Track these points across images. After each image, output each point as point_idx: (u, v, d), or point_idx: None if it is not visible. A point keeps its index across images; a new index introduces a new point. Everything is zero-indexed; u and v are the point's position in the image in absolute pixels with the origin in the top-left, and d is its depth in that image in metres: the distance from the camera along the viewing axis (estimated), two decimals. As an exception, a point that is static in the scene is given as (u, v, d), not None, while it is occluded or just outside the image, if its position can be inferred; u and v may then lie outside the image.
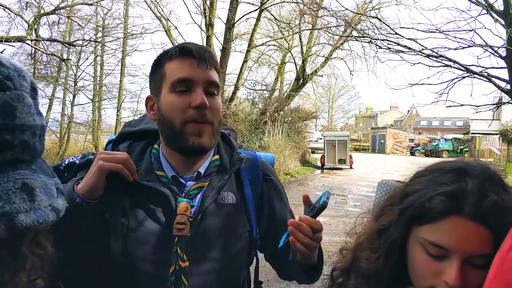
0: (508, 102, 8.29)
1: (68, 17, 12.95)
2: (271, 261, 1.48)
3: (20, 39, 10.29)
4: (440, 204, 0.84)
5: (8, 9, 10.38)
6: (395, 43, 9.23)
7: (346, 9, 11.74)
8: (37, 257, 0.66)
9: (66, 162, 1.34)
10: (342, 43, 21.93)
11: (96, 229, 1.20)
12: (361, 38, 11.52)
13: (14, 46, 11.01)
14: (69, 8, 12.80)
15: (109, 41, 18.73)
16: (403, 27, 9.68)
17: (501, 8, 7.70)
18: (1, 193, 0.54)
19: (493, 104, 9.13)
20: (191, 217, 1.21)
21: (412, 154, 41.36)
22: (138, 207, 1.24)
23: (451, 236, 0.82)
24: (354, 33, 13.95)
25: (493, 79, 7.94)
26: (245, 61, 19.89)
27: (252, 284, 1.46)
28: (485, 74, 7.98)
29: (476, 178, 0.84)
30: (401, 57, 9.25)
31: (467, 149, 36.97)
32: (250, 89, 22.55)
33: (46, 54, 12.17)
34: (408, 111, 63.13)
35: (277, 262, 1.46)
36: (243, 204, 1.32)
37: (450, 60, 8.37)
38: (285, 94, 23.81)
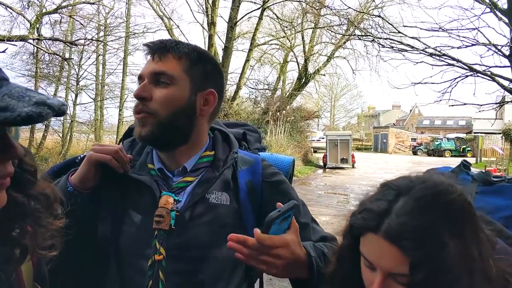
0: (512, 101, 8.25)
1: (70, 16, 12.94)
2: None
3: (22, 38, 10.28)
4: (360, 221, 0.86)
5: (10, 8, 10.39)
6: (398, 41, 9.21)
7: (349, 7, 11.75)
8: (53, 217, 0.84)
9: (82, 156, 1.34)
10: (344, 42, 21.90)
11: (90, 220, 1.21)
12: (364, 37, 11.51)
13: (16, 45, 11.04)
14: (71, 7, 12.79)
15: (111, 40, 18.73)
16: (406, 26, 9.68)
17: (505, 6, 7.67)
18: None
19: (496, 103, 9.10)
20: (177, 210, 1.19)
21: (415, 153, 41.29)
22: (128, 200, 1.25)
23: (370, 252, 0.86)
24: (357, 32, 13.94)
25: (497, 78, 7.91)
26: (247, 60, 19.89)
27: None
28: (489, 73, 7.94)
29: (411, 198, 0.83)
30: (404, 56, 9.23)
31: (469, 149, 36.91)
32: (252, 88, 22.61)
33: (48, 53, 12.20)
34: (411, 110, 63.07)
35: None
36: (237, 207, 1.26)
37: (453, 59, 8.34)
38: (287, 93, 23.82)
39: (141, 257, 1.19)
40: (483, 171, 1.36)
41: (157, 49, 1.23)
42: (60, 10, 11.70)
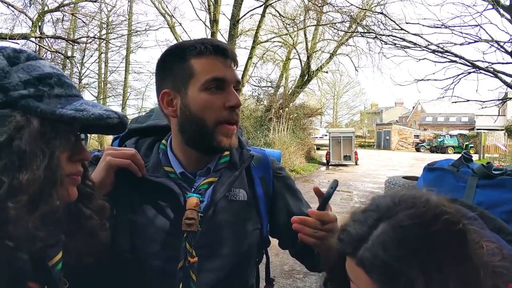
0: (514, 98, 8.22)
1: (72, 14, 12.94)
2: (296, 257, 1.44)
3: (24, 37, 10.29)
4: (340, 244, 0.86)
5: (12, 6, 10.39)
6: (400, 38, 9.17)
7: (351, 4, 11.76)
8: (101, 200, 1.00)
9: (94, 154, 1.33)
10: (347, 39, 21.84)
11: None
12: (366, 34, 11.49)
13: (18, 44, 11.01)
14: (73, 5, 12.81)
15: (113, 38, 18.77)
16: (409, 23, 9.57)
17: (507, 3, 7.63)
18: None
19: (498, 100, 9.08)
20: (201, 212, 1.20)
21: (418, 150, 41.22)
22: (146, 203, 1.23)
23: (349, 272, 0.86)
24: (359, 29, 13.92)
25: (499, 74, 7.88)
26: (250, 58, 19.85)
27: (261, 281, 1.45)
28: (491, 69, 7.91)
29: (390, 226, 0.79)
30: (406, 52, 9.17)
31: (472, 145, 36.80)
32: (255, 85, 22.57)
33: (51, 51, 12.19)
34: (413, 107, 62.85)
35: (302, 257, 1.42)
36: (254, 202, 1.31)
37: (455, 55, 8.30)
38: (290, 91, 23.80)
39: (168, 260, 1.19)
40: (484, 164, 1.33)
41: (233, 56, 1.23)
42: (62, 8, 11.71)
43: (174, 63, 1.22)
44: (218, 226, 1.23)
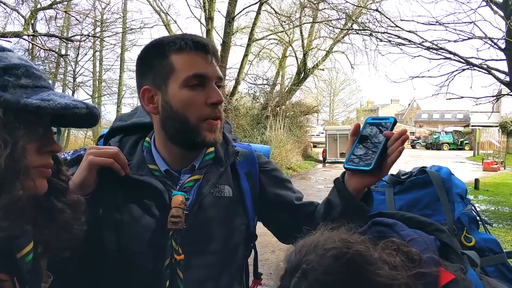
0: (508, 94, 8.28)
1: (65, 11, 12.87)
2: (297, 234, 1.42)
3: (17, 35, 10.24)
4: None
5: (4, 3, 10.33)
6: (395, 35, 9.20)
7: (347, 1, 11.71)
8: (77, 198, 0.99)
9: (71, 153, 1.33)
10: (343, 37, 21.87)
11: (90, 226, 1.16)
12: (362, 31, 11.49)
13: (11, 42, 10.94)
14: (66, 2, 12.72)
15: (108, 36, 18.66)
16: (404, 20, 9.68)
17: (500, 0, 7.65)
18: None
19: (492, 96, 9.12)
20: (187, 209, 1.19)
21: (413, 147, 41.33)
22: (131, 202, 1.22)
23: None
24: (355, 26, 13.90)
25: (493, 71, 7.92)
26: (245, 55, 19.84)
27: (251, 276, 1.45)
28: (485, 66, 7.95)
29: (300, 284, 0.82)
30: (401, 49, 9.21)
31: (467, 142, 36.99)
32: (251, 83, 22.54)
33: (44, 49, 12.16)
34: (409, 104, 63.13)
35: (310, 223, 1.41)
36: (240, 197, 1.31)
37: (450, 52, 8.34)
38: (287, 89, 23.80)
39: (154, 258, 1.18)
40: (392, 174, 1.43)
41: (217, 53, 1.22)
42: (55, 5, 11.66)
43: (154, 59, 1.20)
44: (204, 223, 1.22)
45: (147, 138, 1.32)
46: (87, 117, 0.87)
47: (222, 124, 1.25)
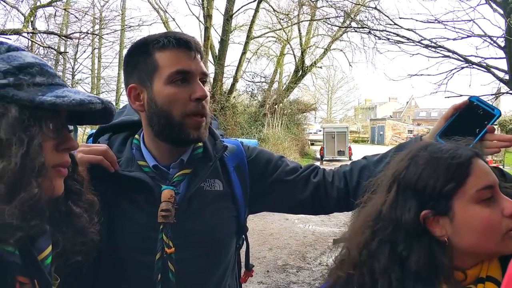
0: (507, 92, 8.28)
1: (64, 9, 12.86)
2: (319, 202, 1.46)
3: (16, 32, 10.22)
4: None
5: (4, 1, 10.30)
6: (394, 33, 9.19)
7: (345, -1, 11.65)
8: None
9: None
10: (341, 34, 21.85)
11: None
12: (360, 29, 11.48)
13: (11, 39, 10.88)
14: (65, 0, 12.72)
15: (107, 34, 18.60)
16: (402, 18, 9.59)
17: (500, -2, 7.65)
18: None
19: (492, 95, 9.11)
20: (176, 203, 1.22)
21: (412, 145, 41.31)
22: (121, 198, 1.25)
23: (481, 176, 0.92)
24: (353, 24, 13.90)
25: (492, 69, 7.92)
26: (243, 53, 19.83)
27: (242, 268, 1.49)
28: (484, 64, 7.95)
29: None
30: (400, 48, 9.20)
31: (466, 140, 36.91)
32: (249, 81, 22.55)
33: (43, 47, 12.11)
34: (407, 102, 63.11)
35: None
36: (230, 190, 1.34)
37: (449, 50, 8.34)
38: (284, 86, 23.81)
39: (146, 252, 1.21)
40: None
41: (201, 49, 1.24)
42: (55, 3, 11.62)
43: (139, 58, 1.24)
44: (194, 216, 1.25)
45: (136, 136, 1.35)
46: (102, 112, 0.88)
47: (208, 120, 1.27)
